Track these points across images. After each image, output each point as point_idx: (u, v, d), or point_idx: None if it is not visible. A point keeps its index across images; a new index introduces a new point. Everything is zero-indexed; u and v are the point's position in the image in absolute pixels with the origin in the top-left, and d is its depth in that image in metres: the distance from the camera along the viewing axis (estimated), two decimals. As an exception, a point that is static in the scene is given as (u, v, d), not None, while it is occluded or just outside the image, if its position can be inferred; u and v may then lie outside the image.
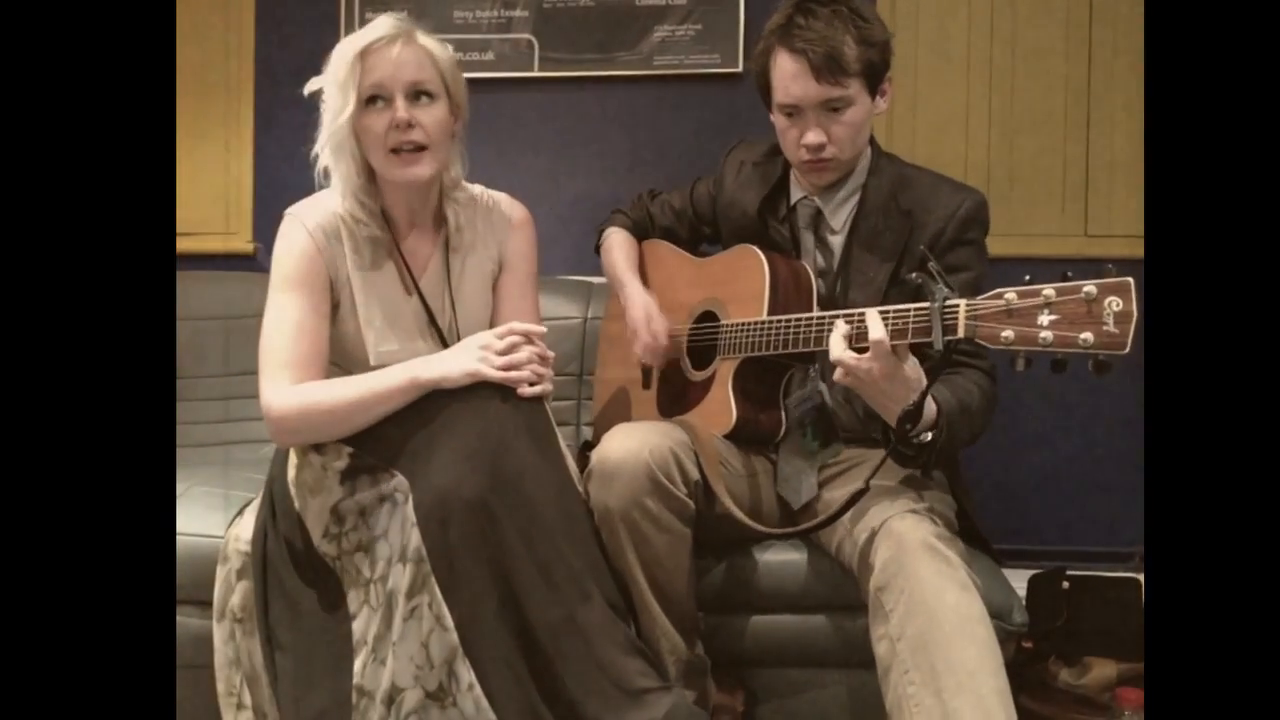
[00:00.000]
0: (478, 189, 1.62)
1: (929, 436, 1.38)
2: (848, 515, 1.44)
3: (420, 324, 1.53)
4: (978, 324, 1.23)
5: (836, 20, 1.49)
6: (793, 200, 1.67)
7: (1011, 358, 1.21)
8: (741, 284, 1.61)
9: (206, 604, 1.54)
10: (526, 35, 2.55)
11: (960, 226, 1.54)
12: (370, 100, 1.43)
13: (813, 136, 1.53)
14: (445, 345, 1.52)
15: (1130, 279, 1.13)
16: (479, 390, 1.34)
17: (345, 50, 1.43)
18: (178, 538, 1.62)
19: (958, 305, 1.24)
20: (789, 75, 1.51)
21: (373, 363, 1.47)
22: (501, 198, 1.64)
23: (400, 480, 1.32)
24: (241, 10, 2.61)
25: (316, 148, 1.47)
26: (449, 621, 1.26)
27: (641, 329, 1.70)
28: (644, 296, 1.74)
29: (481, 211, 1.60)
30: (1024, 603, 1.56)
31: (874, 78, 1.54)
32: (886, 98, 1.58)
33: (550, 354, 1.41)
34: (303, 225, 1.48)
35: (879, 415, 1.40)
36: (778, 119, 1.58)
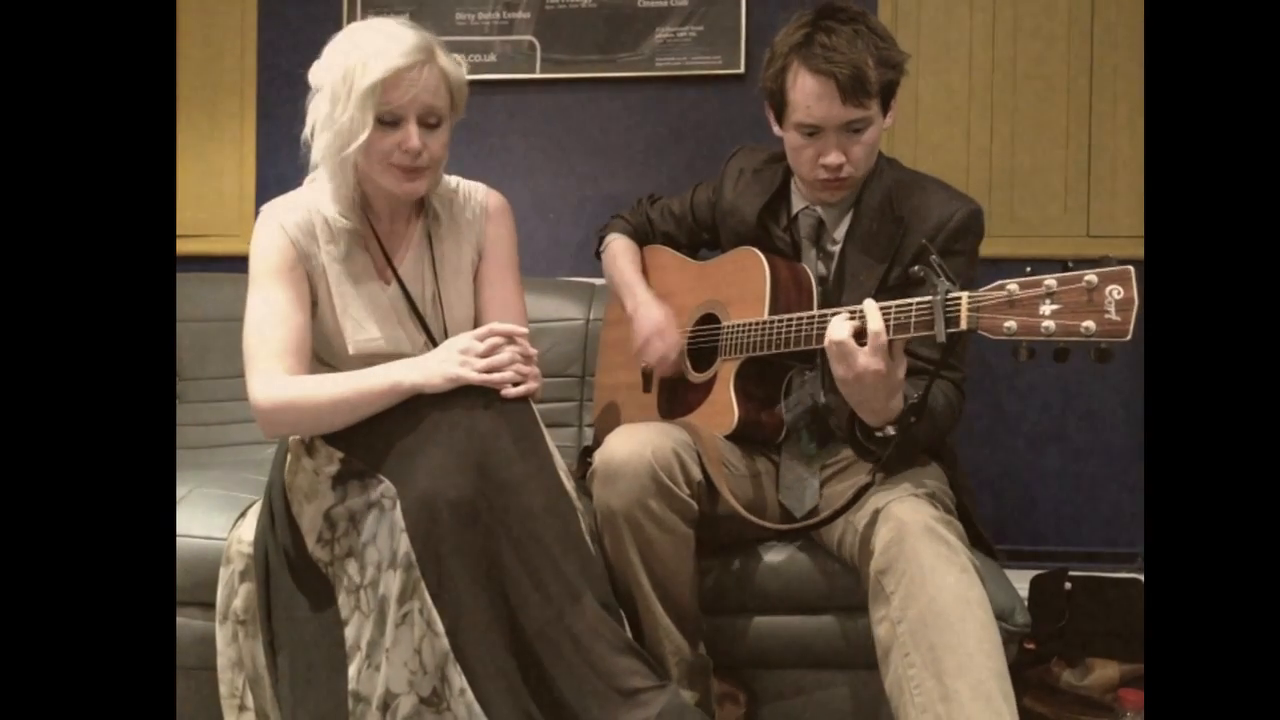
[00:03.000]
0: (455, 180, 1.61)
1: (891, 431, 1.38)
2: None
3: (400, 312, 1.52)
4: (980, 315, 1.23)
5: (859, 40, 1.47)
6: (794, 210, 1.66)
7: (1014, 348, 1.21)
8: (743, 285, 1.61)
9: (209, 606, 1.55)
10: (528, 37, 2.55)
11: (951, 236, 1.54)
12: (382, 120, 1.40)
13: (834, 158, 1.52)
14: (428, 332, 1.52)
15: (1130, 267, 1.14)
16: (463, 394, 1.34)
17: (367, 68, 1.38)
18: (181, 540, 1.63)
19: (960, 297, 1.25)
20: (812, 96, 1.49)
21: (351, 352, 1.47)
22: (478, 187, 1.62)
23: (388, 486, 1.32)
24: (245, 13, 2.61)
25: (307, 132, 1.45)
26: (439, 627, 1.26)
27: (655, 341, 1.68)
28: (656, 307, 1.72)
29: (460, 201, 1.59)
30: (1026, 604, 1.56)
31: (889, 97, 1.53)
32: (892, 114, 1.57)
33: (533, 352, 1.40)
34: (278, 221, 1.48)
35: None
36: (792, 137, 1.56)
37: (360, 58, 1.39)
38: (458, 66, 1.48)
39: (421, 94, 1.41)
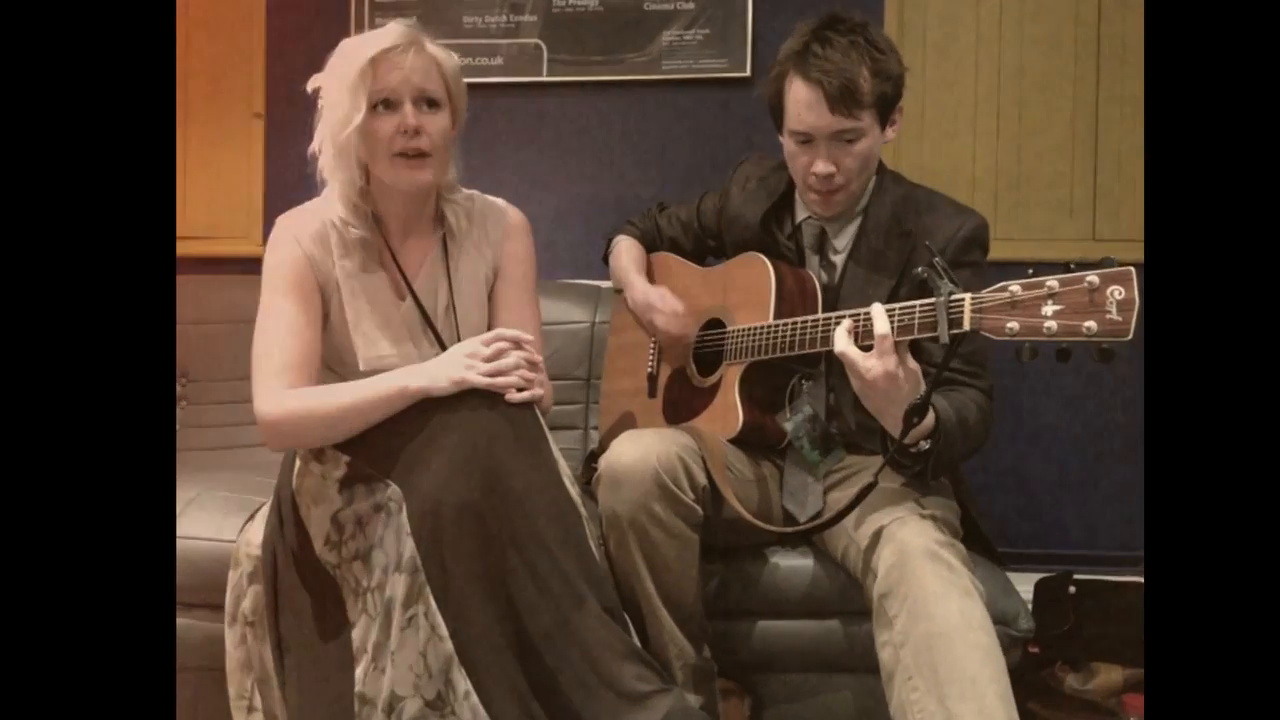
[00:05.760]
0: (474, 194, 1.63)
1: (925, 445, 1.38)
2: (852, 520, 1.45)
3: (414, 328, 1.53)
4: (983, 316, 1.24)
5: (853, 51, 1.49)
6: (798, 219, 1.67)
7: (1017, 348, 1.22)
8: (748, 290, 1.62)
9: (218, 607, 1.56)
10: (535, 40, 2.56)
11: (960, 248, 1.55)
12: (377, 105, 1.44)
13: (822, 166, 1.53)
14: (444, 347, 1.53)
15: (1131, 268, 1.15)
16: (468, 398, 1.35)
17: (355, 55, 1.44)
18: (190, 542, 1.64)
19: (963, 299, 1.26)
20: (803, 103, 1.51)
21: (362, 368, 1.48)
22: (498, 202, 1.64)
23: (394, 490, 1.33)
24: (252, 15, 2.63)
25: (315, 145, 1.48)
26: (444, 630, 1.27)
27: (657, 303, 1.69)
28: (651, 286, 1.74)
29: (478, 215, 1.60)
30: (1030, 607, 1.56)
31: (886, 109, 1.54)
32: (895, 127, 1.58)
33: (539, 358, 1.41)
34: (293, 233, 1.49)
35: (873, 427, 1.42)
36: (788, 144, 1.58)
37: (351, 50, 1.45)
38: (451, 56, 1.51)
39: (412, 75, 1.44)
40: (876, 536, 1.40)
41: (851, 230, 1.63)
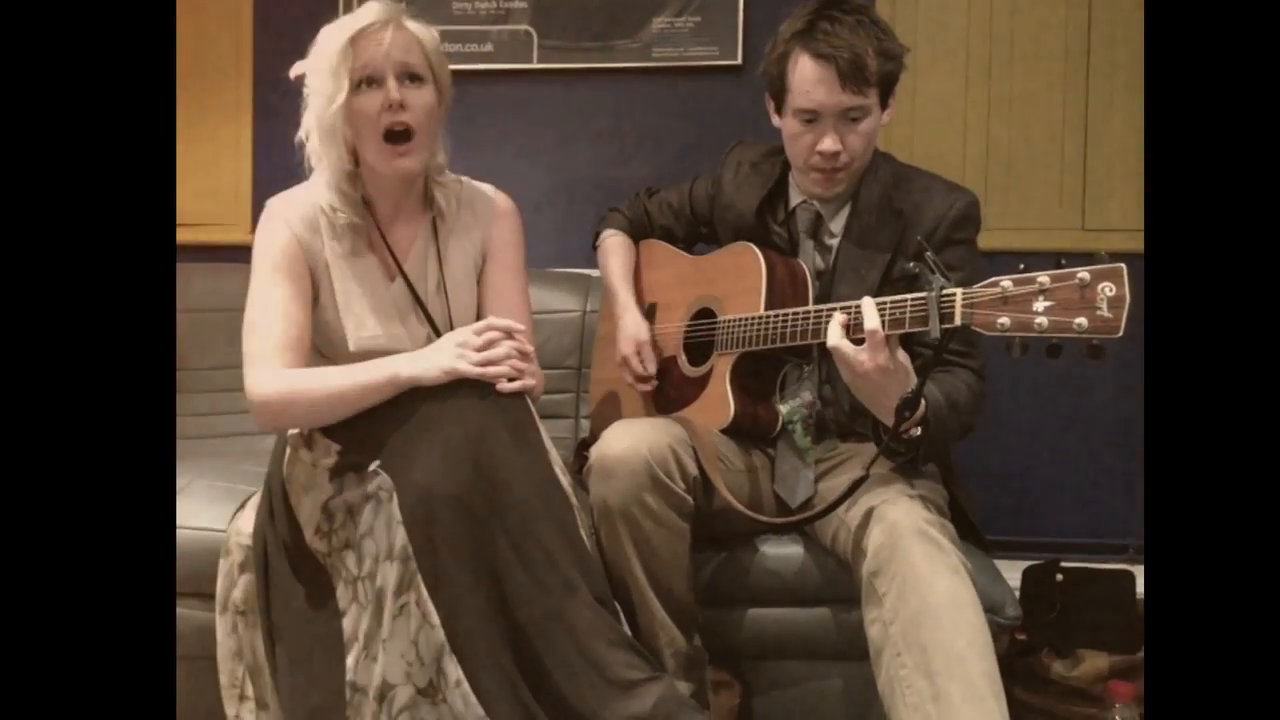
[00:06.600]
0: (462, 179, 1.63)
1: (917, 432, 1.40)
2: (842, 505, 1.45)
3: (404, 309, 1.53)
4: (974, 311, 1.25)
5: (860, 29, 1.49)
6: (791, 204, 1.67)
7: (1007, 344, 1.23)
8: (738, 280, 1.62)
9: (209, 597, 1.56)
10: (525, 26, 2.55)
11: (952, 226, 1.56)
12: (361, 84, 1.44)
13: (829, 143, 1.53)
14: (432, 324, 1.53)
15: (1122, 265, 1.16)
16: (459, 387, 1.35)
17: (335, 36, 1.44)
18: (181, 531, 1.64)
19: (954, 294, 1.27)
20: (812, 80, 1.50)
21: (352, 348, 1.48)
22: (486, 188, 1.64)
23: (384, 479, 1.33)
24: (240, 2, 2.60)
25: (301, 132, 1.48)
26: (435, 619, 1.28)
27: (632, 361, 1.72)
28: (636, 321, 1.75)
29: (466, 199, 1.60)
30: (1017, 594, 1.58)
31: (887, 90, 1.55)
32: (890, 111, 1.58)
33: (530, 348, 1.41)
34: (282, 216, 1.49)
35: (867, 412, 1.43)
36: (790, 124, 1.57)
37: (331, 33, 1.45)
38: (430, 32, 1.51)
39: (392, 50, 1.44)
40: (867, 517, 1.41)
41: (846, 211, 1.63)
